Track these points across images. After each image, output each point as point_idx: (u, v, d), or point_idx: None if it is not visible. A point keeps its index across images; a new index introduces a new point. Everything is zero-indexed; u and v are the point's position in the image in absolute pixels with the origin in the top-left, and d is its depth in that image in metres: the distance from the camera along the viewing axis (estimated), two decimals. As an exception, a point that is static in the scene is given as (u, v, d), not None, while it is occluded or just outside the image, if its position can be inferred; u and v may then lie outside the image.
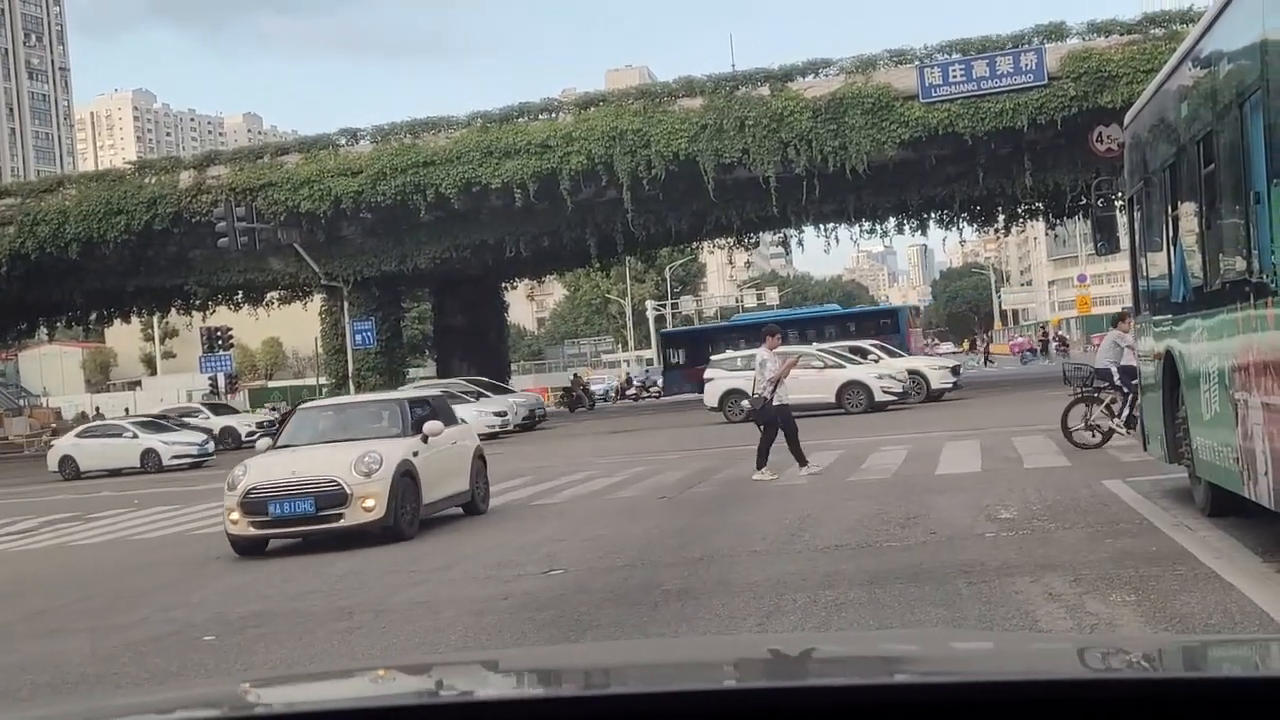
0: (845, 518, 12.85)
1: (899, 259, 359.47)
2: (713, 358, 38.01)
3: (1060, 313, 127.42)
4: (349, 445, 14.50)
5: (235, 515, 13.98)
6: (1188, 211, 10.71)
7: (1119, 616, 7.48)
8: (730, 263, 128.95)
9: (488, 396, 39.53)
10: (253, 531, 13.99)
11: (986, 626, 7.44)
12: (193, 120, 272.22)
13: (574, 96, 43.88)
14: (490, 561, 12.11)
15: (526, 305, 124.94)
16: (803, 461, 17.55)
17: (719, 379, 33.46)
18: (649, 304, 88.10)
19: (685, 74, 41.02)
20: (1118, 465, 15.29)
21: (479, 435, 34.87)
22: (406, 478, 14.24)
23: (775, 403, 17.70)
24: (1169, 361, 11.46)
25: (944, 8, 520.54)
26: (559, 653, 5.25)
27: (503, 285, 56.49)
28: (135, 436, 35.54)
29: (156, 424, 37.57)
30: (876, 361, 35.44)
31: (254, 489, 13.94)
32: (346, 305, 45.37)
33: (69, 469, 35.04)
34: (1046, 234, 76.44)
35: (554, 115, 41.78)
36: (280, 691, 2.98)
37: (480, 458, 16.76)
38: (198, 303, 51.27)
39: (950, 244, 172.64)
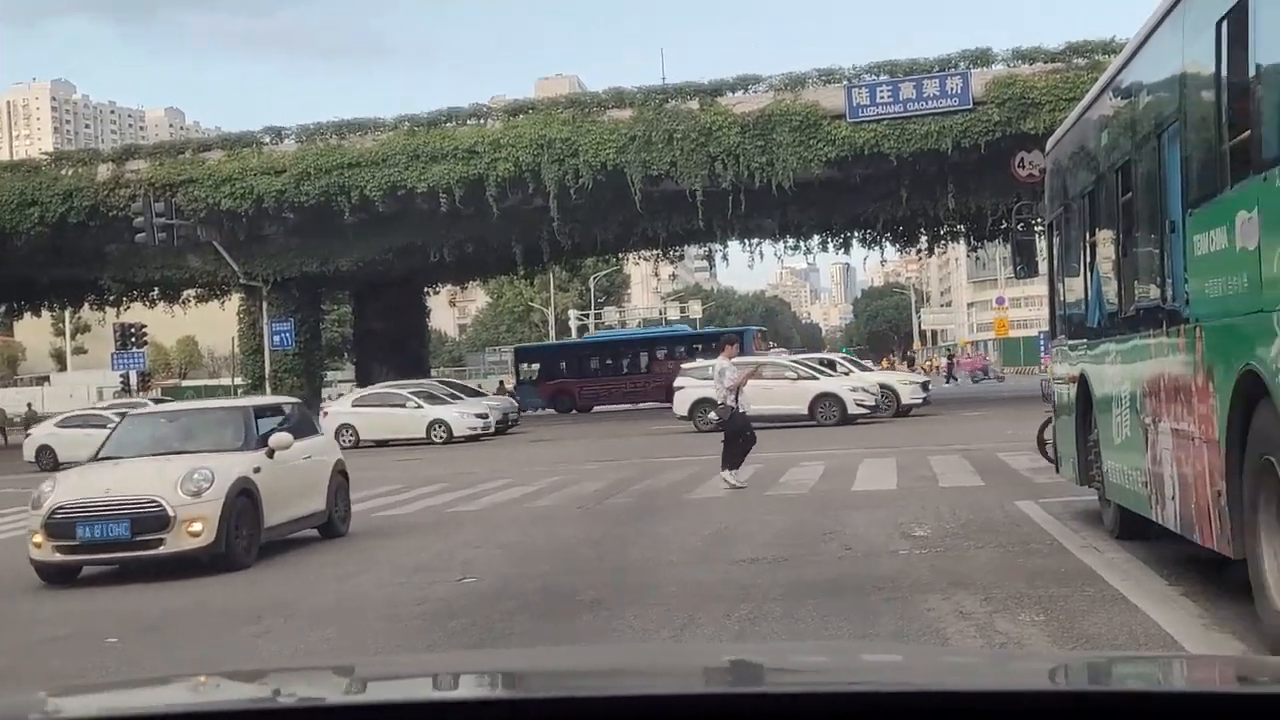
0: (762, 531, 12.91)
1: (822, 276, 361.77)
2: (683, 365, 37.61)
3: (979, 334, 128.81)
4: (179, 459, 12.76)
5: (39, 539, 12.12)
6: (1105, 238, 10.87)
7: (1027, 636, 7.57)
8: (655, 275, 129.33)
9: (461, 399, 38.92)
10: (59, 558, 12.18)
11: (899, 642, 7.50)
12: (113, 113, 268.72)
13: (503, 103, 43.78)
14: (405, 566, 12.04)
15: (449, 311, 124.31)
16: (735, 468, 17.55)
17: (689, 387, 32.90)
18: (572, 313, 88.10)
19: (615, 85, 41.08)
20: (1030, 486, 15.46)
21: (461, 437, 35.18)
22: (244, 497, 12.57)
23: (740, 410, 17.75)
24: (1083, 385, 11.63)
25: (873, 28, 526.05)
26: (415, 662, 5.18)
27: (425, 290, 56.18)
28: None
29: None
30: (847, 374, 35.34)
31: (60, 509, 12.13)
32: (265, 305, 44.90)
33: (46, 459, 34.35)
34: (967, 256, 77.20)
35: (482, 121, 41.69)
36: (85, 700, 2.76)
37: (341, 473, 15.05)
38: (112, 298, 50.44)
39: (872, 263, 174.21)
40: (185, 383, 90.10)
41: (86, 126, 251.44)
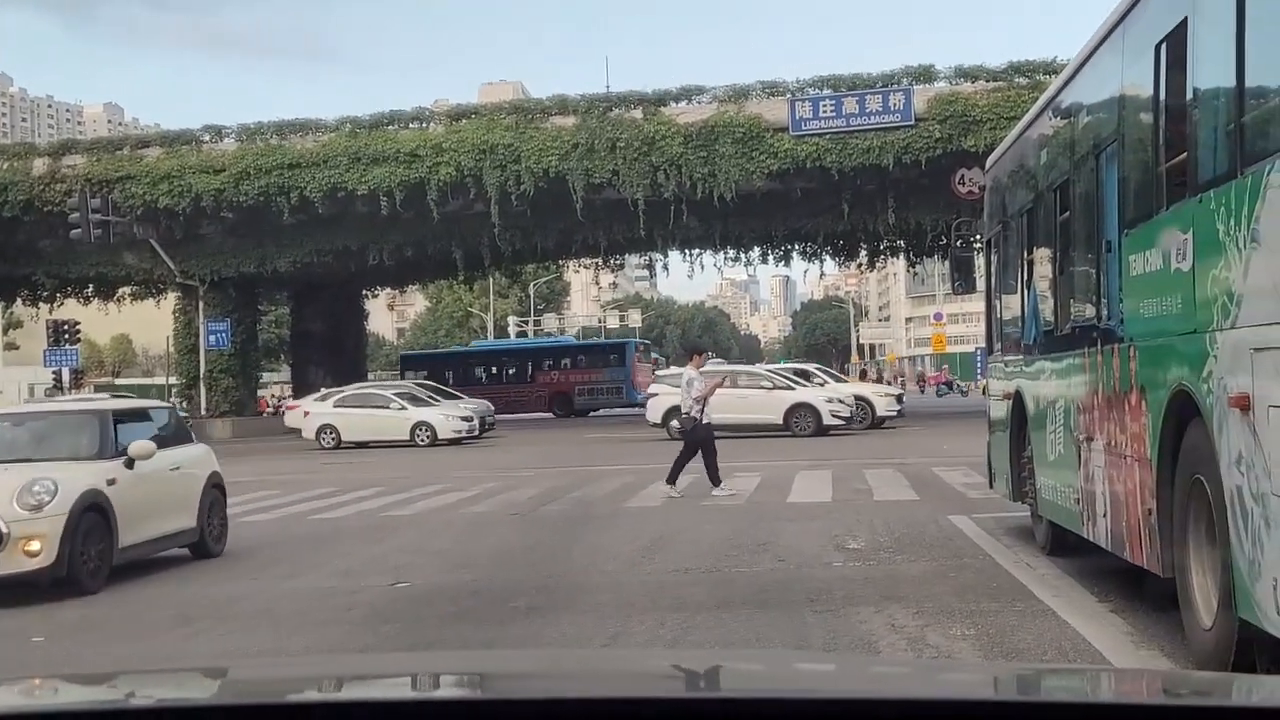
0: (696, 542, 12.90)
1: (761, 288, 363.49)
2: (657, 373, 37.26)
3: (916, 349, 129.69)
4: (19, 468, 11.32)
5: None
6: (1042, 256, 10.97)
7: (958, 650, 7.61)
8: (596, 283, 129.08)
9: (440, 401, 37.94)
10: None
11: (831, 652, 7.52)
12: (50, 107, 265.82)
13: (446, 107, 43.62)
14: (336, 570, 11.93)
15: (387, 315, 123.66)
16: (717, 482, 17.43)
17: (663, 394, 32.28)
18: (511, 320, 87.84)
19: (559, 92, 41.00)
20: (964, 501, 15.56)
21: (446, 439, 34.58)
22: (93, 512, 11.14)
23: (703, 421, 17.67)
24: (1018, 402, 11.72)
25: (817, 42, 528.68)
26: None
27: (364, 293, 55.87)
28: None
29: None
30: (823, 385, 34.91)
31: None
32: (202, 305, 44.57)
33: None
34: (907, 271, 77.63)
35: (425, 125, 41.50)
36: None
37: (217, 486, 13.64)
38: (45, 294, 49.80)
39: (812, 276, 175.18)
40: (119, 381, 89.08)
41: (23, 120, 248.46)
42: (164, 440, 12.85)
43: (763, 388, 32.51)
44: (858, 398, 34.51)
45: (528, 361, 57.19)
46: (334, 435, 35.27)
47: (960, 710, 2.13)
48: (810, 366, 41.47)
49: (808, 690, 2.44)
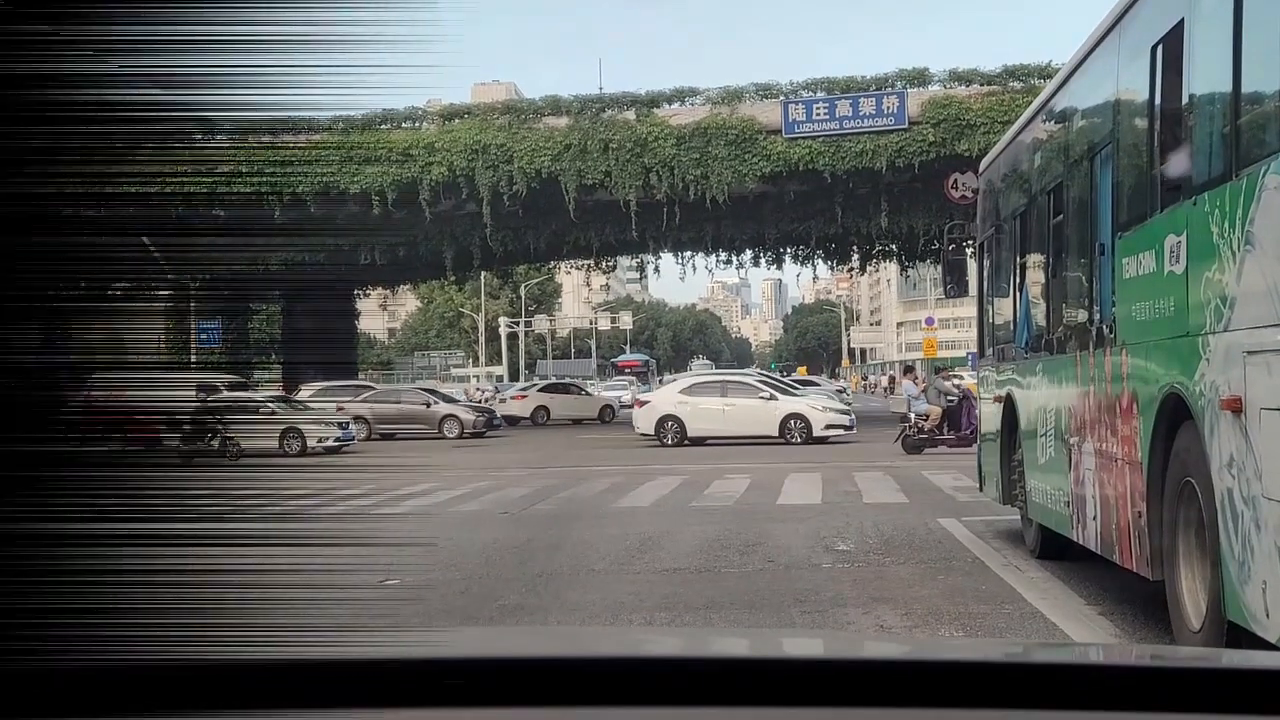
0: (685, 541, 12.88)
1: (753, 291, 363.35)
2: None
3: (908, 354, 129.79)
4: None
5: None
6: (1035, 260, 10.97)
7: (947, 651, 7.60)
8: (587, 284, 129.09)
9: (801, 391, 34.61)
10: None
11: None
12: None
13: (439, 107, 43.57)
14: (325, 569, 11.88)
15: (379, 315, 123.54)
16: None
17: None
18: (503, 321, 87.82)
19: (552, 93, 40.98)
20: (954, 504, 15.56)
21: (819, 436, 30.72)
22: None
23: None
24: (1009, 405, 11.71)
25: (811, 45, 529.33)
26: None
27: (355, 293, 55.78)
28: None
29: None
30: None
31: None
32: (192, 303, 44.50)
33: None
34: (899, 275, 77.69)
35: (417, 125, 41.44)
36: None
37: None
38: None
39: (804, 280, 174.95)
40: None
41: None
42: None
43: None
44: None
45: None
46: (679, 429, 31.38)
47: (959, 670, 2.09)
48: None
49: (806, 657, 2.40)
